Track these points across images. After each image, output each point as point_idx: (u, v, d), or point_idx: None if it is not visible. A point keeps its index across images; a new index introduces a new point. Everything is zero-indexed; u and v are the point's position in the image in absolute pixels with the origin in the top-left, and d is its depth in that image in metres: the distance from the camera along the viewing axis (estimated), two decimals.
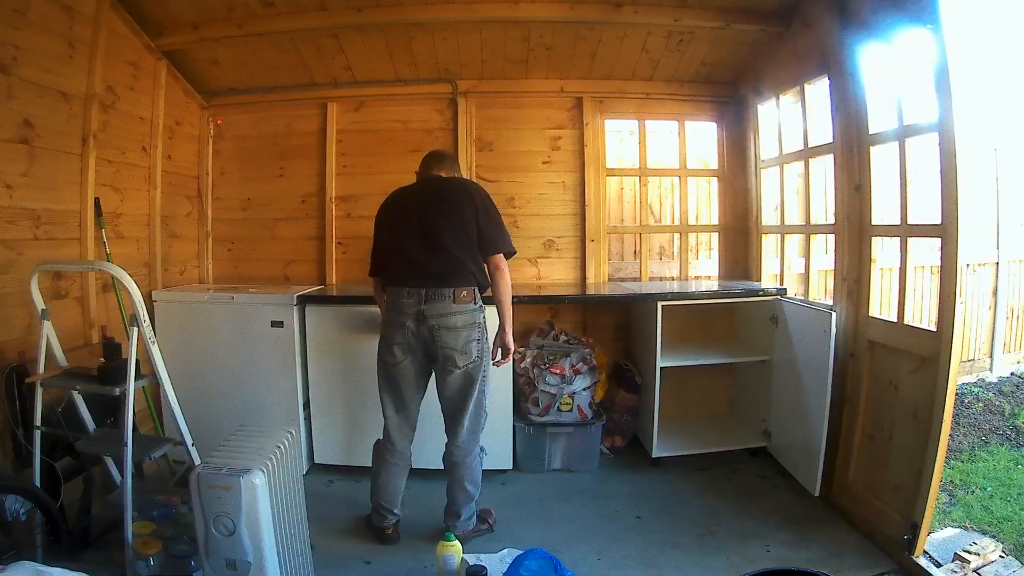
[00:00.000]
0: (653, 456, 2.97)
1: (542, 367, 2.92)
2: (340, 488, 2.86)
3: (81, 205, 2.56)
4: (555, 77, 3.40)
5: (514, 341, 2.86)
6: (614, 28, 2.96)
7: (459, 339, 2.21)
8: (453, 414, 2.32)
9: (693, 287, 3.25)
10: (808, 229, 2.90)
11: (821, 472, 2.61)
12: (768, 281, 3.24)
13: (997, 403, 4.14)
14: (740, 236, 3.48)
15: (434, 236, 2.22)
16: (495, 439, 2.88)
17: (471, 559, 2.00)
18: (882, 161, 2.37)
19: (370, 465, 2.90)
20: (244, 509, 1.68)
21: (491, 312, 2.32)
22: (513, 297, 2.94)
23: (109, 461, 2.39)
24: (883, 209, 2.40)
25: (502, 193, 3.45)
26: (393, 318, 2.27)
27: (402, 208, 2.35)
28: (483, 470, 2.87)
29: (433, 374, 2.34)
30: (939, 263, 2.07)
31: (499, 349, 2.34)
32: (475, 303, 2.26)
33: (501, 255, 2.29)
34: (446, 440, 2.36)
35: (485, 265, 2.28)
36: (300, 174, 3.48)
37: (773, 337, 2.95)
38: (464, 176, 2.61)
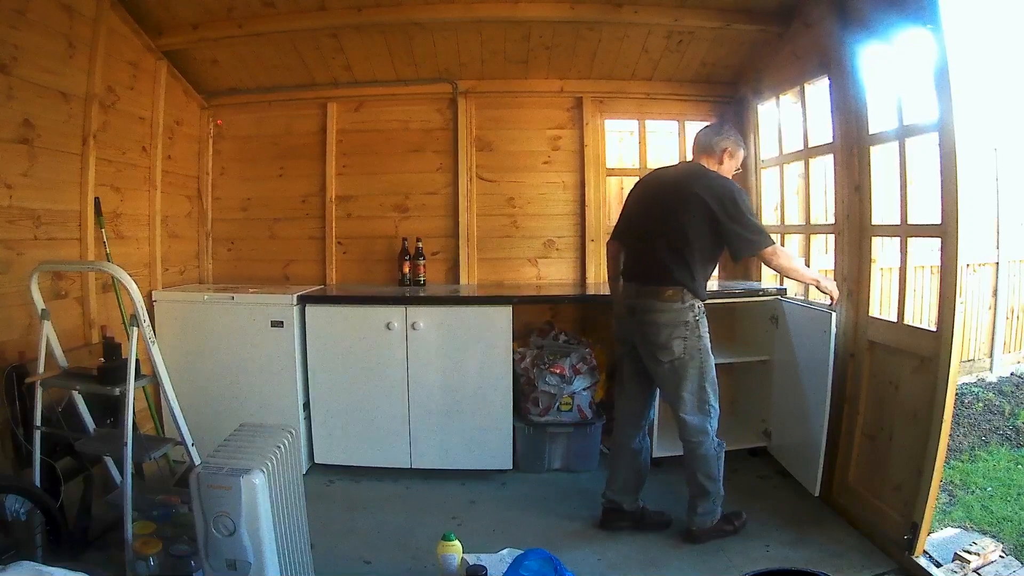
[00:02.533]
0: (653, 456, 2.96)
1: (542, 367, 2.92)
2: (340, 488, 2.86)
3: (81, 205, 2.56)
4: (555, 77, 3.40)
5: (514, 340, 2.90)
6: (614, 28, 2.96)
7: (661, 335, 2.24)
8: (672, 409, 2.34)
9: None
10: (808, 229, 2.90)
11: (821, 472, 2.61)
12: (768, 281, 3.24)
13: (997, 403, 4.14)
14: None
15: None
16: (495, 439, 2.89)
17: (471, 559, 2.00)
18: (882, 161, 2.37)
19: (370, 465, 2.92)
20: (244, 509, 1.68)
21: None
22: (513, 297, 2.99)
23: (109, 461, 2.39)
24: (883, 209, 2.40)
25: (502, 193, 3.46)
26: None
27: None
28: (484, 470, 2.90)
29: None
30: (939, 263, 2.07)
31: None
32: (682, 302, 2.23)
33: (765, 253, 2.23)
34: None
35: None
36: (300, 174, 3.48)
37: (773, 337, 2.95)
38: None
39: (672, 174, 2.38)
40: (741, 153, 2.39)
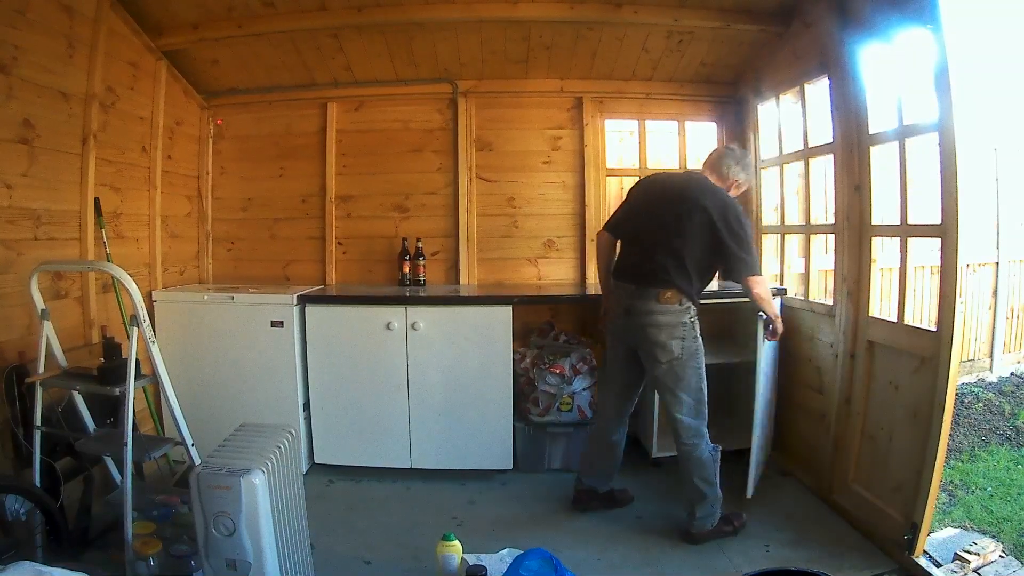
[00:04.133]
0: (653, 457, 2.97)
1: (542, 367, 2.92)
2: (340, 488, 2.86)
3: (81, 205, 2.56)
4: (555, 77, 3.40)
5: (514, 340, 2.90)
6: (614, 28, 2.96)
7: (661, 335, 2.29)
8: (668, 410, 2.38)
9: None
10: (808, 229, 2.90)
11: (821, 472, 2.62)
12: (768, 281, 3.24)
13: (997, 403, 4.15)
14: None
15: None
16: (495, 439, 2.89)
17: (471, 559, 2.00)
18: (882, 161, 2.37)
19: (370, 465, 2.92)
20: (244, 509, 1.68)
21: None
22: (513, 297, 2.99)
23: (109, 461, 2.38)
24: (883, 209, 2.40)
25: (502, 193, 3.46)
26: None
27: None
28: (484, 470, 2.90)
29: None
30: (939, 263, 2.07)
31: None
32: (680, 304, 2.28)
33: (753, 279, 2.30)
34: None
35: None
36: (300, 174, 3.48)
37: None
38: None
39: (680, 182, 2.41)
40: (746, 187, 2.49)
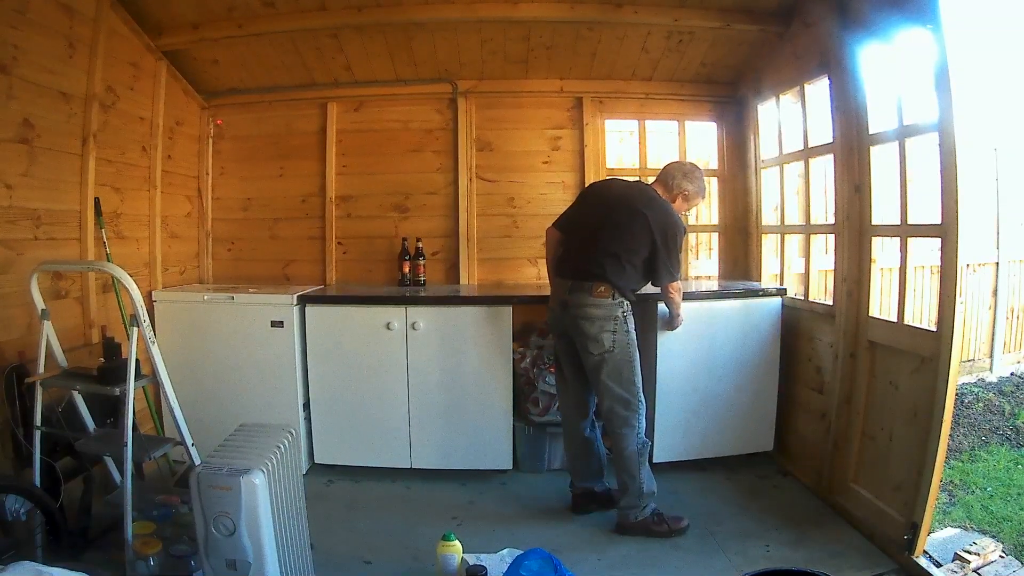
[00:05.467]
0: (653, 462, 2.95)
1: (542, 367, 2.92)
2: (340, 488, 2.86)
3: (81, 205, 2.56)
4: (555, 77, 3.40)
5: (514, 340, 2.90)
6: (614, 28, 2.96)
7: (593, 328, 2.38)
8: (599, 399, 2.49)
9: (693, 287, 3.25)
10: (808, 229, 2.90)
11: (821, 472, 2.62)
12: (768, 281, 3.24)
13: (997, 403, 4.15)
14: (740, 236, 3.48)
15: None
16: (495, 439, 2.89)
17: (471, 559, 2.00)
18: (882, 161, 2.37)
19: (370, 465, 2.92)
20: (244, 509, 1.68)
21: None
22: (513, 297, 2.99)
23: (109, 461, 2.38)
24: (883, 209, 2.40)
25: (502, 193, 3.46)
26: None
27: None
28: (484, 470, 2.90)
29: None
30: (939, 263, 2.07)
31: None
32: (612, 298, 2.38)
33: (673, 285, 2.50)
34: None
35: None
36: (300, 174, 3.48)
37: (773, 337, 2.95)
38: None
39: (625, 190, 2.53)
40: (697, 200, 2.61)
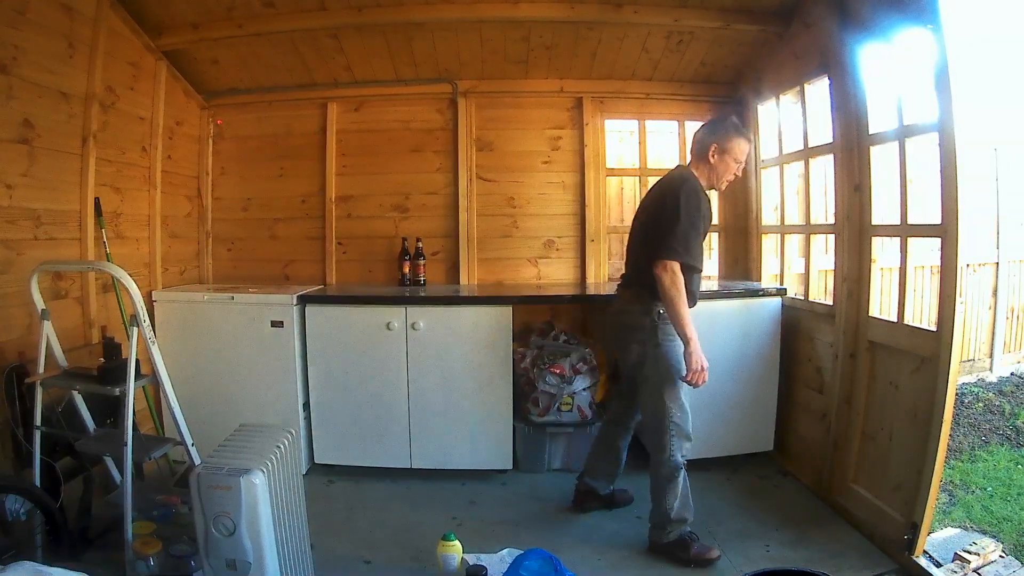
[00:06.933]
0: None
1: (542, 367, 2.92)
2: (340, 488, 2.85)
3: (81, 205, 2.56)
4: (555, 77, 3.40)
5: (514, 340, 2.89)
6: (614, 28, 2.96)
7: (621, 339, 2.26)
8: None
9: None
10: (808, 229, 2.90)
11: (821, 472, 2.61)
12: (768, 281, 3.24)
13: (997, 403, 4.15)
14: (740, 236, 3.48)
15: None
16: (495, 439, 2.89)
17: (471, 559, 2.00)
18: (882, 161, 2.37)
19: (370, 465, 2.92)
20: (244, 509, 1.68)
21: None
22: (514, 297, 2.98)
23: (109, 461, 2.39)
24: (883, 209, 2.40)
25: (502, 193, 3.46)
26: None
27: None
28: (484, 470, 2.90)
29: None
30: (939, 263, 2.07)
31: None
32: (639, 304, 2.20)
33: (662, 260, 2.08)
34: None
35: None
36: (300, 174, 3.48)
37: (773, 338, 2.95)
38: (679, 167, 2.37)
39: (658, 182, 2.37)
40: (735, 145, 2.22)
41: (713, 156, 2.22)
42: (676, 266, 2.08)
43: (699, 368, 2.10)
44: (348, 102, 3.45)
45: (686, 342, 2.10)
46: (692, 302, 2.16)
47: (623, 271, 2.44)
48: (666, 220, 2.11)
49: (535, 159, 3.47)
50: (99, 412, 2.34)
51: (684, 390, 2.20)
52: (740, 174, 2.31)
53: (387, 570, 2.19)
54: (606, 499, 2.57)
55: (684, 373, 2.13)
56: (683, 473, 2.22)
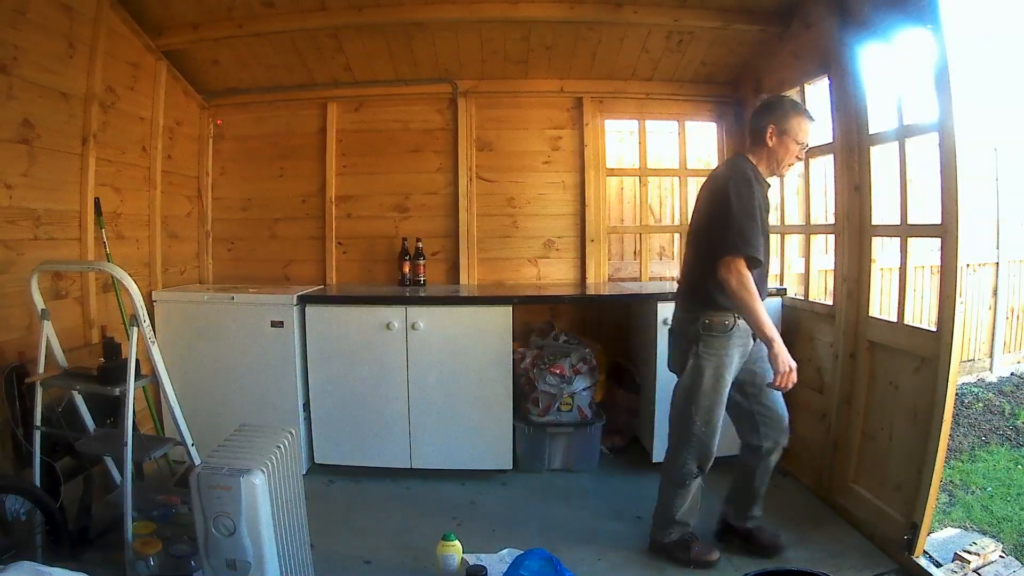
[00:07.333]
0: (654, 461, 2.96)
1: (542, 367, 2.92)
2: (340, 488, 2.85)
3: (81, 205, 2.56)
4: (555, 77, 3.40)
5: (514, 340, 2.88)
6: (614, 28, 2.96)
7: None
8: None
9: None
10: (808, 229, 2.90)
11: (821, 472, 2.61)
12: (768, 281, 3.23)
13: (997, 403, 4.15)
14: None
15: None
16: (495, 439, 2.89)
17: (471, 559, 2.00)
18: (882, 161, 2.37)
19: (370, 465, 2.92)
20: (244, 509, 1.68)
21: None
22: (514, 297, 2.98)
23: (109, 461, 2.39)
24: (883, 209, 2.40)
25: (502, 193, 3.46)
26: None
27: None
28: (484, 470, 2.89)
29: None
30: (939, 263, 2.07)
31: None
32: (687, 312, 2.09)
33: (724, 259, 1.90)
34: None
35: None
36: (300, 174, 3.48)
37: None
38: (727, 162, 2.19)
39: (708, 175, 2.18)
40: (796, 124, 2.00)
41: (771, 138, 2.01)
42: (740, 263, 1.88)
43: (786, 370, 1.90)
44: (348, 102, 3.46)
45: (769, 343, 1.90)
46: None
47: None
48: (719, 215, 1.94)
49: (535, 159, 3.47)
50: (99, 412, 2.34)
51: (719, 411, 2.06)
52: (802, 157, 2.10)
53: (387, 570, 2.19)
54: (741, 533, 2.26)
55: (771, 379, 1.94)
56: (697, 482, 2.16)
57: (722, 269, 1.88)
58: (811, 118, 2.05)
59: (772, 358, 1.91)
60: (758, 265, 1.94)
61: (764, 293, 2.02)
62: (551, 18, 2.86)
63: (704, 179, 2.20)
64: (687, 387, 2.09)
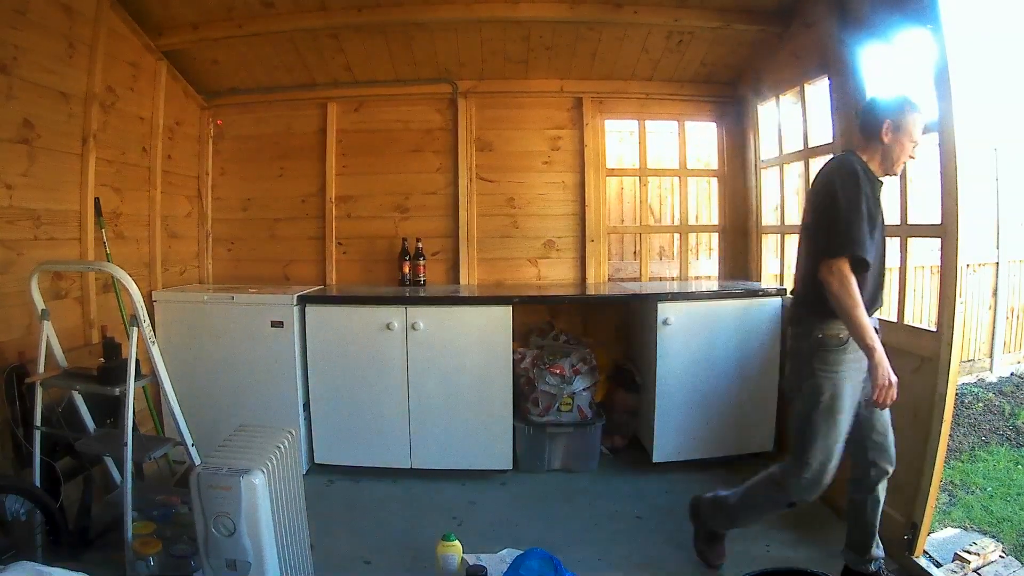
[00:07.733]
0: (654, 461, 2.96)
1: (542, 367, 2.92)
2: (340, 488, 2.85)
3: (81, 205, 2.56)
4: (555, 77, 3.40)
5: (514, 340, 2.88)
6: (614, 28, 2.96)
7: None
8: None
9: (693, 287, 3.25)
10: None
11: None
12: (768, 281, 3.24)
13: (997, 403, 4.15)
14: (740, 236, 3.48)
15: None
16: (495, 439, 2.89)
17: (471, 559, 2.00)
18: None
19: (370, 465, 2.92)
20: (244, 509, 1.68)
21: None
22: (514, 297, 2.98)
23: (109, 461, 2.39)
24: (883, 209, 2.39)
25: (502, 193, 3.46)
26: None
27: None
28: (484, 470, 2.89)
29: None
30: (939, 263, 2.07)
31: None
32: (798, 326, 1.94)
33: (826, 260, 1.77)
34: None
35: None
36: (300, 174, 3.48)
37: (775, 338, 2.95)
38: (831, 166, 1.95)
39: (816, 173, 2.01)
40: (912, 121, 1.85)
41: (887, 135, 1.85)
42: (844, 265, 1.74)
43: (887, 383, 1.74)
44: (348, 102, 3.46)
45: (869, 354, 1.75)
46: (869, 309, 1.80)
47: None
48: (823, 212, 1.81)
49: (535, 159, 3.47)
50: (99, 412, 2.34)
51: (840, 430, 1.87)
52: (914, 156, 1.92)
53: (387, 570, 2.19)
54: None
55: (872, 395, 1.79)
56: (784, 508, 2.01)
57: (823, 271, 1.76)
58: (923, 114, 1.91)
59: (871, 369, 1.76)
60: (864, 266, 1.79)
61: (879, 301, 1.93)
62: (551, 18, 2.87)
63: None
64: (803, 412, 1.91)
